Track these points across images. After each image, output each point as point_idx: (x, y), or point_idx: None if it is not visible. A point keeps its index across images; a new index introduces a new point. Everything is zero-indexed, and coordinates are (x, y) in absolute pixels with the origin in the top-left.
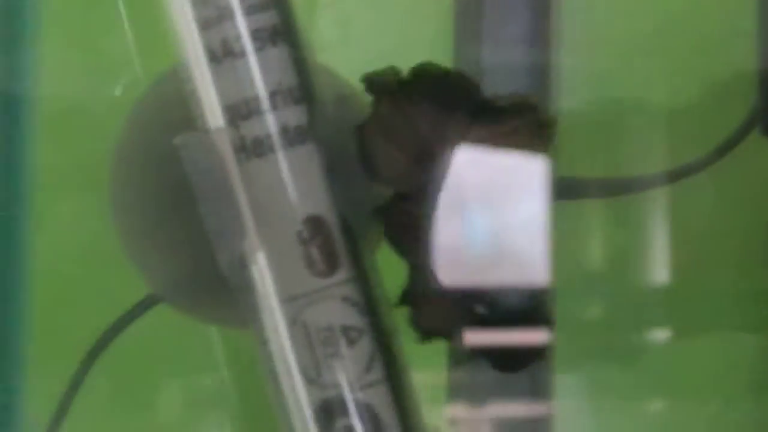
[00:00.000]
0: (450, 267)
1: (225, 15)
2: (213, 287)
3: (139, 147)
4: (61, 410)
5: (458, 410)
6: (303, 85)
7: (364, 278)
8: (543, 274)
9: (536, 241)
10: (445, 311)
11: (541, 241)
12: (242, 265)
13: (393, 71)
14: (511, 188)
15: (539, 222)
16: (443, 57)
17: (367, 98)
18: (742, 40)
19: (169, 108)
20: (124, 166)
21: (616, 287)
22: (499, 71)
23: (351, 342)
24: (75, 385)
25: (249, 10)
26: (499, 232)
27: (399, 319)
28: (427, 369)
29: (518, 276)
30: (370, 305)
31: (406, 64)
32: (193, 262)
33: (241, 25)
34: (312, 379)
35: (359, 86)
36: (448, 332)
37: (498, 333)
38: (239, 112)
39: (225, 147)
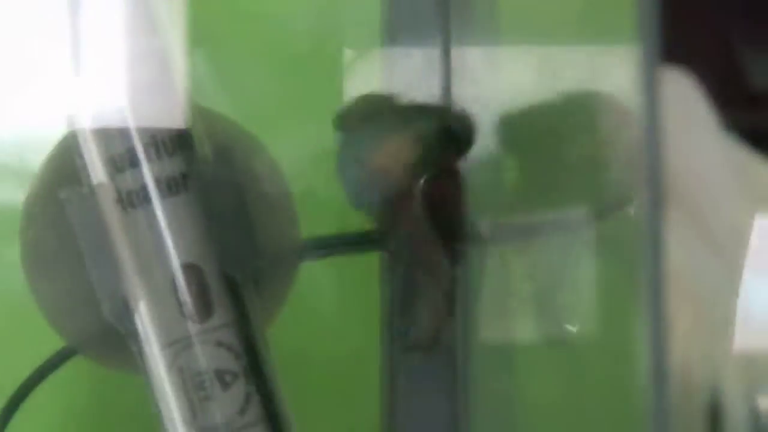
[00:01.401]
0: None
1: None
2: (117, 336)
3: (45, 202)
4: None
5: None
6: (179, 136)
7: (243, 324)
8: None
9: None
10: None
11: None
12: (126, 312)
13: None
14: None
15: None
16: None
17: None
18: None
19: (71, 165)
20: (33, 221)
21: None
22: None
23: (225, 385)
24: None
25: None
26: None
27: (275, 362)
28: None
29: None
30: (247, 350)
31: None
32: (99, 312)
33: None
34: (189, 422)
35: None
36: None
37: None
38: (116, 164)
39: (104, 199)
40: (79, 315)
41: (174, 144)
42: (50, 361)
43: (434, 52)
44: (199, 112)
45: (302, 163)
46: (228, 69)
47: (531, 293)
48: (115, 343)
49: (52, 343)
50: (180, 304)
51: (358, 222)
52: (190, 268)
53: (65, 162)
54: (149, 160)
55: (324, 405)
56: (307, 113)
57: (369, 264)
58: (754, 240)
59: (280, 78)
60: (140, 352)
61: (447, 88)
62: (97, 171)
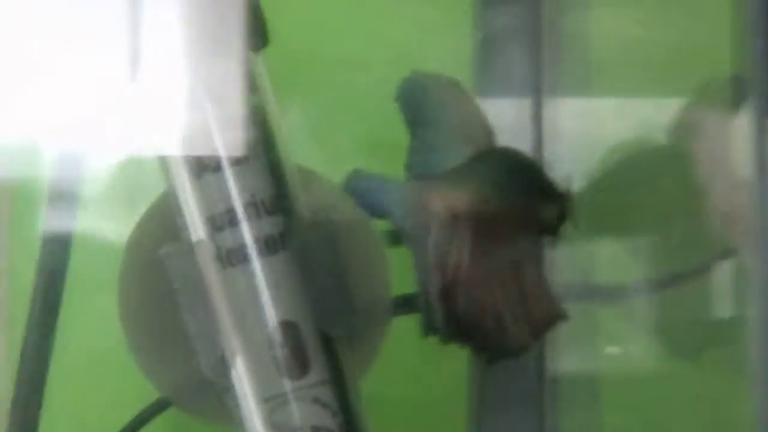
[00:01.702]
0: None
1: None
2: (212, 389)
3: (142, 256)
4: None
5: None
6: (278, 196)
7: (337, 382)
8: None
9: None
10: None
11: None
12: (223, 367)
13: None
14: None
15: None
16: None
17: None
18: None
19: (170, 220)
20: (131, 274)
21: None
22: None
23: None
24: None
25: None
26: None
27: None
28: None
29: None
30: (342, 407)
31: None
32: (195, 365)
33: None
34: None
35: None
36: None
37: None
38: (215, 223)
39: (204, 257)
40: (173, 368)
41: (273, 203)
42: (144, 412)
43: (525, 104)
44: (296, 170)
45: None
46: (316, 121)
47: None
48: (209, 396)
49: (146, 394)
50: (277, 361)
51: None
52: (287, 325)
53: (164, 217)
54: (249, 219)
55: None
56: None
57: None
58: None
59: (368, 128)
60: (236, 407)
61: (539, 141)
62: (197, 229)
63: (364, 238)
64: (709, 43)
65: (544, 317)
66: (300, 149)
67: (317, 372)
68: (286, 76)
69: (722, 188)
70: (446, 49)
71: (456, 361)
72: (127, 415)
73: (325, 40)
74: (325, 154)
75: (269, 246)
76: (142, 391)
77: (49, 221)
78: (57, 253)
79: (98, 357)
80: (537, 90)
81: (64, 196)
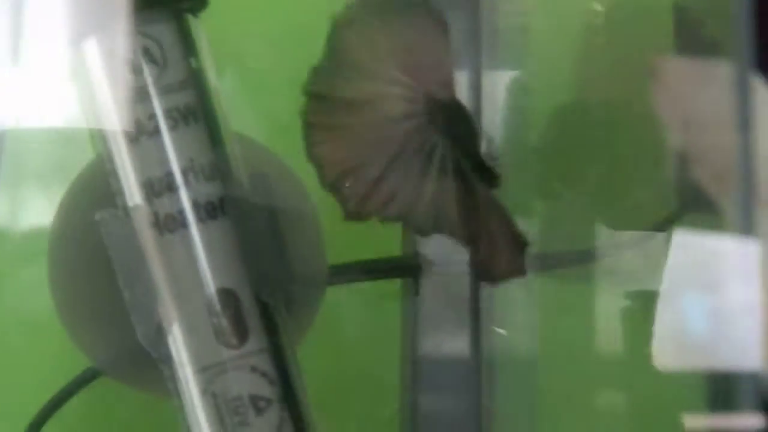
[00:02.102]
0: (670, 350)
1: (141, 95)
2: (148, 358)
3: (73, 224)
4: None
5: None
6: (216, 161)
7: (275, 350)
8: (757, 357)
9: (751, 324)
10: None
11: (756, 324)
12: (159, 336)
13: None
14: (725, 272)
15: (753, 305)
16: None
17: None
18: None
19: (104, 184)
20: (60, 243)
21: None
22: None
23: (259, 411)
24: None
25: (163, 90)
26: (715, 316)
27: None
28: None
29: (734, 359)
30: (281, 376)
31: None
32: (129, 334)
33: (156, 105)
34: None
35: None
36: None
37: None
38: (153, 188)
39: (140, 223)
40: (106, 336)
41: (212, 169)
42: (75, 381)
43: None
44: (234, 136)
45: None
46: (251, 89)
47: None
48: (143, 365)
49: (76, 363)
50: (215, 329)
51: (384, 247)
52: (225, 293)
53: (95, 183)
54: (187, 184)
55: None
56: None
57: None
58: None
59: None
60: (173, 376)
61: (477, 112)
62: (134, 194)
63: (299, 206)
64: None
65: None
66: (237, 116)
67: (256, 340)
68: (224, 43)
69: (698, 143)
70: None
71: (391, 332)
72: (58, 387)
73: (262, 8)
74: (262, 122)
75: (208, 212)
76: (73, 363)
77: None
78: None
79: (29, 328)
80: (476, 63)
81: None
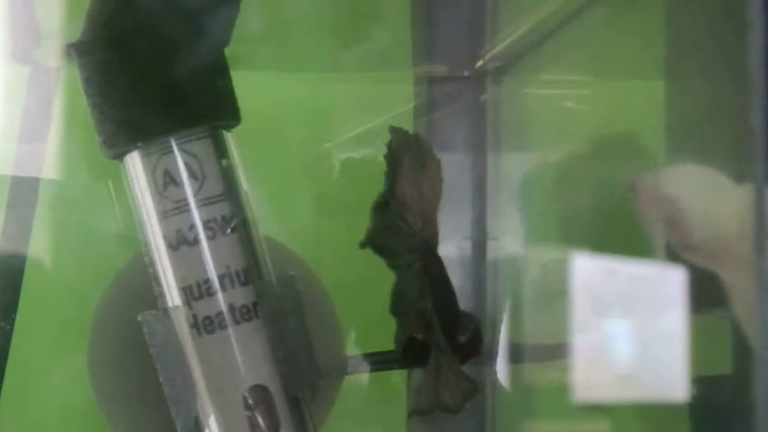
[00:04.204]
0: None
1: (182, 208)
2: None
3: (114, 317)
4: None
5: None
6: (250, 267)
7: None
8: (682, 388)
9: (675, 354)
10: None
11: (681, 354)
12: (197, 428)
13: None
14: (648, 299)
15: (678, 334)
16: None
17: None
18: None
19: (141, 284)
20: (101, 335)
21: None
22: None
23: None
24: None
25: (202, 202)
26: (638, 344)
27: None
28: None
29: (656, 390)
30: None
31: None
32: (164, 424)
33: (196, 217)
34: None
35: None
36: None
37: None
38: (192, 293)
39: (180, 324)
40: (142, 425)
41: (246, 274)
42: None
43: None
44: (264, 242)
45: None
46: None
47: None
48: None
49: None
50: (250, 422)
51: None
52: (259, 389)
53: (135, 282)
54: (224, 290)
55: None
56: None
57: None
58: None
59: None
60: None
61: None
62: (174, 297)
63: (321, 304)
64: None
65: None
66: (264, 220)
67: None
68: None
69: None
70: None
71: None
72: None
73: (279, 113)
74: (284, 224)
75: (243, 314)
76: None
77: None
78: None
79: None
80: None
81: None
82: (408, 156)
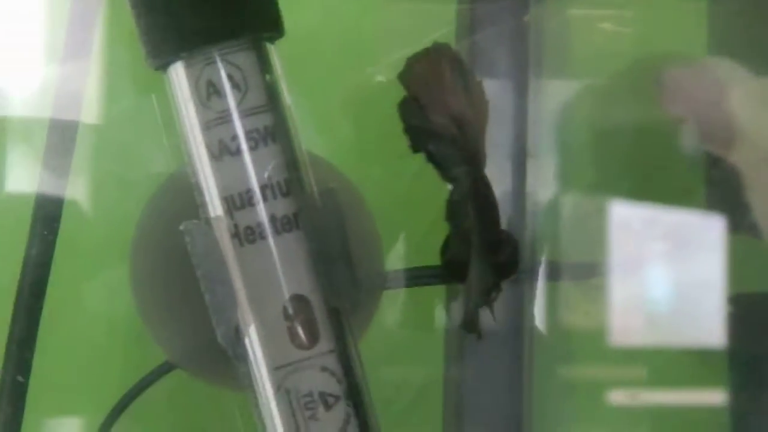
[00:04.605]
0: (628, 324)
1: (225, 118)
2: (221, 355)
3: (156, 229)
4: None
5: None
6: (292, 179)
7: (343, 351)
8: (719, 332)
9: (713, 299)
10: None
11: (718, 298)
12: (237, 337)
13: None
14: (687, 246)
15: (716, 280)
16: None
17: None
18: None
19: (184, 196)
20: (143, 247)
21: None
22: None
23: (328, 406)
24: None
25: (245, 113)
26: (677, 289)
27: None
28: None
29: (694, 334)
30: (347, 374)
31: None
32: (203, 332)
33: (238, 127)
34: None
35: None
36: None
37: None
38: (234, 203)
39: (222, 234)
40: (183, 334)
41: (287, 185)
42: (152, 373)
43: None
44: (307, 156)
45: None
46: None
47: None
48: (218, 361)
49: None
50: (289, 332)
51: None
52: (299, 299)
53: (177, 193)
54: (265, 200)
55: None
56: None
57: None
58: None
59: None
60: (248, 374)
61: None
62: (216, 207)
63: (362, 218)
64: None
65: None
66: (306, 135)
67: (325, 342)
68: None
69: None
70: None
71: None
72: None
73: (326, 31)
74: (328, 140)
75: (284, 225)
76: (150, 359)
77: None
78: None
79: (111, 324)
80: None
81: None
82: (450, 71)
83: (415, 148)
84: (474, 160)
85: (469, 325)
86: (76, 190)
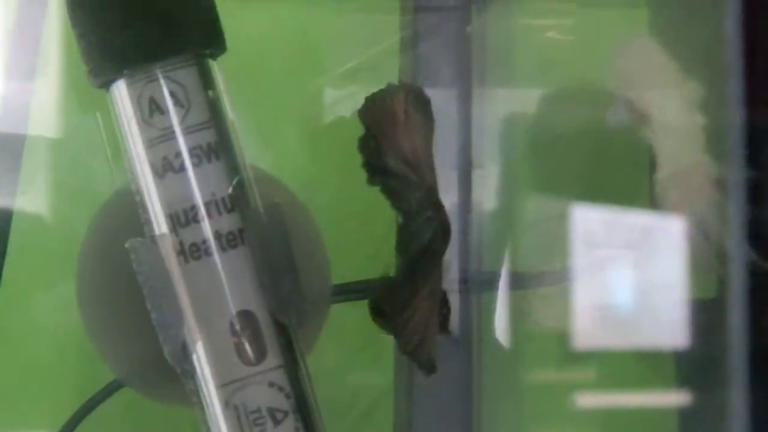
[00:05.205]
0: (590, 326)
1: (167, 135)
2: (169, 372)
3: (101, 245)
4: None
5: None
6: (236, 195)
7: (291, 366)
8: (682, 334)
9: (675, 301)
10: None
11: (680, 301)
12: (184, 354)
13: None
14: (649, 248)
15: (678, 282)
16: None
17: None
18: None
19: (128, 212)
20: (89, 263)
21: None
22: None
23: (276, 422)
24: None
25: (188, 130)
26: (639, 292)
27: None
28: None
29: (657, 337)
30: (295, 390)
31: None
32: (150, 349)
33: (182, 144)
34: None
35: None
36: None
37: None
38: (179, 220)
39: (167, 251)
40: (130, 351)
41: (232, 201)
42: (99, 393)
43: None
44: (251, 171)
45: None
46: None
47: None
48: (165, 379)
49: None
50: (236, 348)
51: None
52: (245, 315)
53: (122, 210)
54: (210, 216)
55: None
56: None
57: None
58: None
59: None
60: (196, 390)
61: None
62: (161, 224)
63: (307, 232)
64: None
65: None
66: (249, 149)
67: (273, 358)
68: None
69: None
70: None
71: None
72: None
73: (268, 46)
74: (271, 154)
75: (229, 241)
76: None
77: None
78: None
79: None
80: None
81: None
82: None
83: (371, 182)
84: (427, 197)
85: (427, 366)
86: (26, 204)
